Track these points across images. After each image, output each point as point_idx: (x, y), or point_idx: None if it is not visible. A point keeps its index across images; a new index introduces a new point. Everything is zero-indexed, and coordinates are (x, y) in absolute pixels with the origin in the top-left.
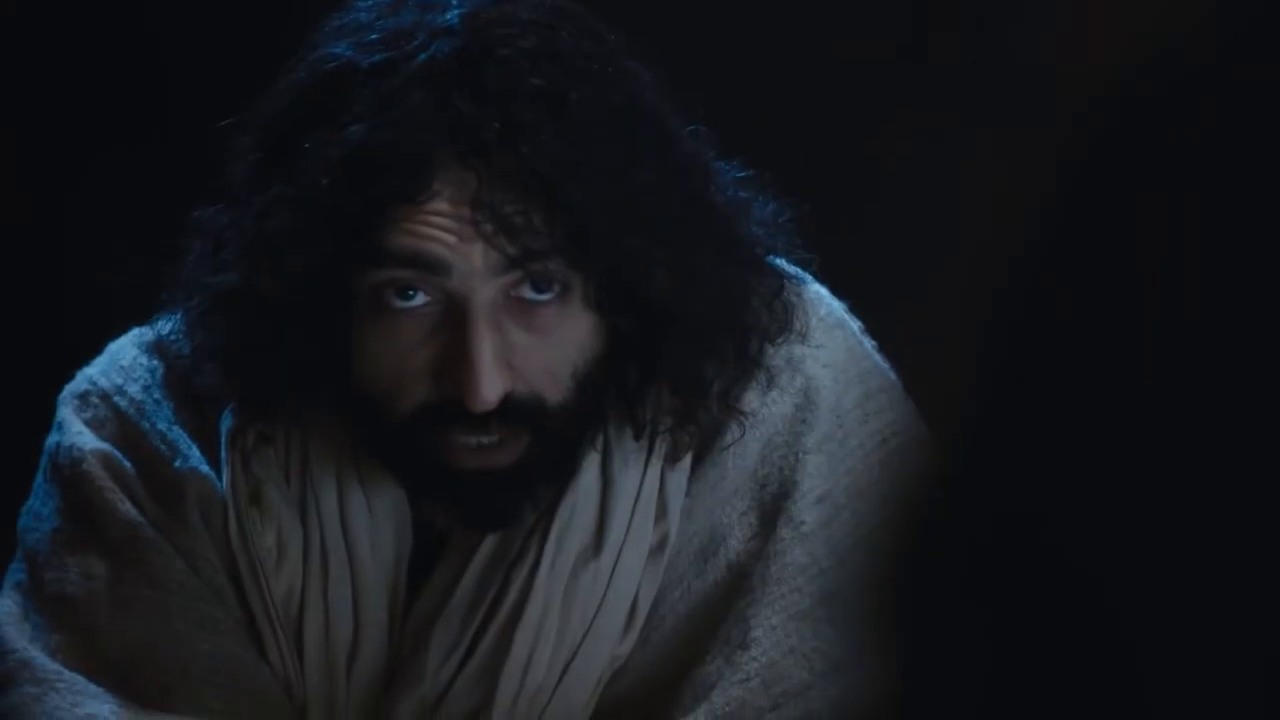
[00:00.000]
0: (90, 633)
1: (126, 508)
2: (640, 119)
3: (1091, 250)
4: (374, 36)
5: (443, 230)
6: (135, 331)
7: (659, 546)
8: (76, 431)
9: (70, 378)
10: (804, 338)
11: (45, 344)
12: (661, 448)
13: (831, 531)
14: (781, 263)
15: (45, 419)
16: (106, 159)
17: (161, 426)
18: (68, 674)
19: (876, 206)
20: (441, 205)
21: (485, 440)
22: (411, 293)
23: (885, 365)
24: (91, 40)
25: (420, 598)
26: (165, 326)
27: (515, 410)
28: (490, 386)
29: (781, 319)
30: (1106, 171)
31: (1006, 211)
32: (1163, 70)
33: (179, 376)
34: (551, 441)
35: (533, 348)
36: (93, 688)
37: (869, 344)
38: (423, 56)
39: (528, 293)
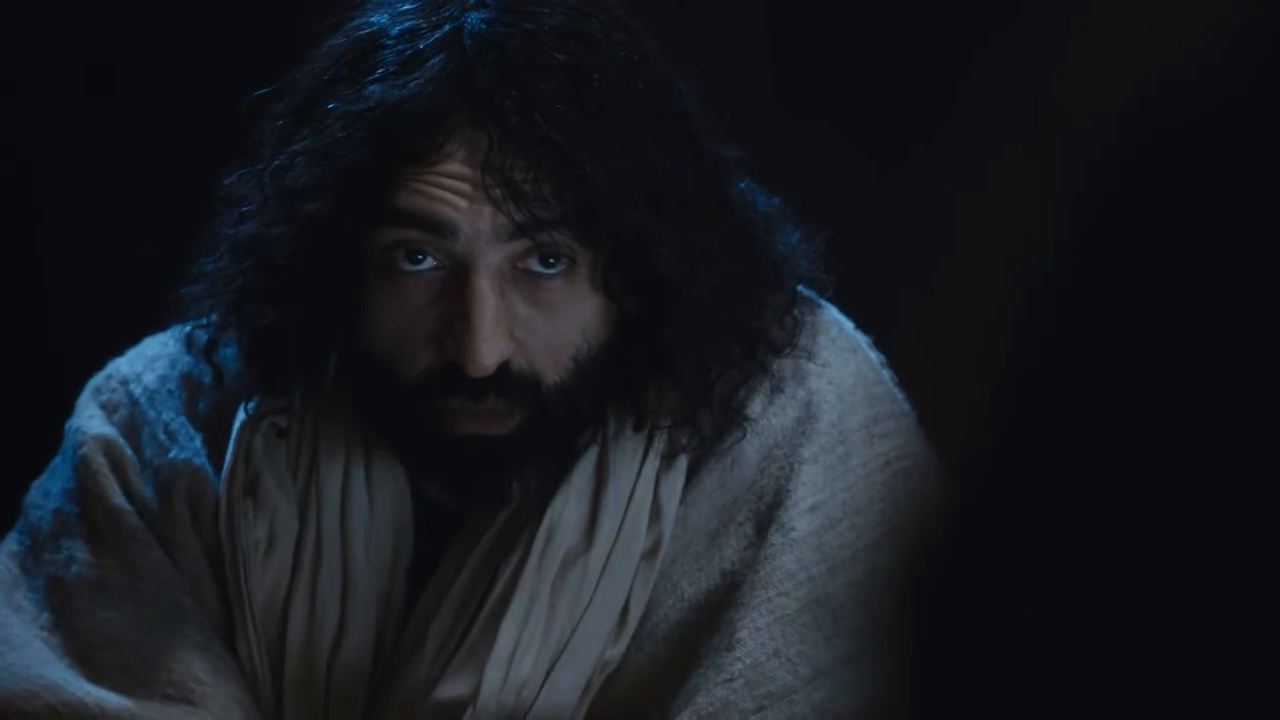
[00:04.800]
0: (69, 613)
1: (114, 495)
2: (662, 107)
3: (1105, 277)
4: (408, 6)
5: (452, 192)
6: (175, 327)
7: (652, 550)
8: (88, 416)
9: (70, 374)
10: (811, 355)
11: (45, 344)
12: (658, 449)
13: (824, 540)
14: (802, 289)
15: (44, 418)
16: (106, 158)
17: (166, 416)
18: (37, 643)
19: (891, 229)
20: (452, 166)
21: (481, 407)
22: (420, 256)
23: (900, 395)
24: (91, 39)
25: (424, 593)
26: (194, 312)
27: (513, 384)
28: (489, 351)
29: (790, 332)
30: (1120, 201)
31: (1021, 236)
32: (1175, 91)
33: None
34: (547, 422)
35: (536, 321)
36: (52, 657)
37: (886, 375)
38: (450, 25)
39: (535, 265)
